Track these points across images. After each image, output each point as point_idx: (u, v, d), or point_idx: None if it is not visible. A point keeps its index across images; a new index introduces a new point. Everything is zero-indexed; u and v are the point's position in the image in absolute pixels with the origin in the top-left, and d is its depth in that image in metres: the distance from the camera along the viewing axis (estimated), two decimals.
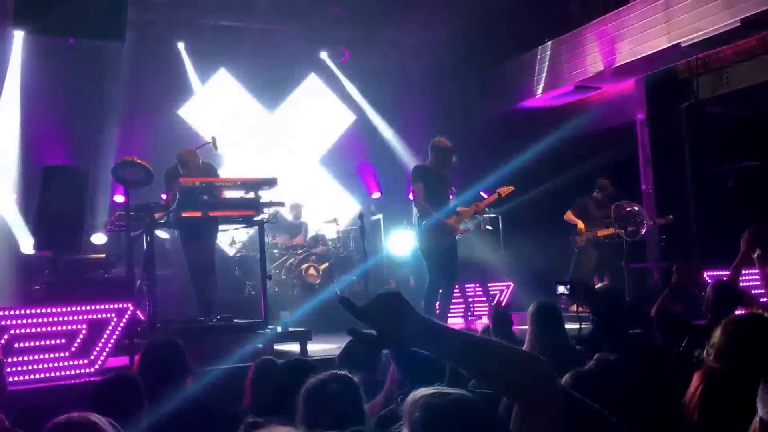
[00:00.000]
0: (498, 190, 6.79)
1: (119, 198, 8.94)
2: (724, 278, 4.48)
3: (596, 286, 6.80)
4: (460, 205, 6.68)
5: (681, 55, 8.63)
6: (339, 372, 2.38)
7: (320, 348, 6.17)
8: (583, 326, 5.64)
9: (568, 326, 5.69)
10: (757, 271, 4.71)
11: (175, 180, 6.23)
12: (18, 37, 8.70)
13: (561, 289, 7.95)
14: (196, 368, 3.50)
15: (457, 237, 6.49)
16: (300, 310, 8.11)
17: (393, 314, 1.37)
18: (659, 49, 8.48)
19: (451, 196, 6.73)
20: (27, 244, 7.57)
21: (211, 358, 5.31)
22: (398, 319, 1.37)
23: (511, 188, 6.86)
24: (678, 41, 8.20)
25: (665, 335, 3.92)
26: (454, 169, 6.75)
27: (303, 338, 5.97)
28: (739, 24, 7.55)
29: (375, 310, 1.38)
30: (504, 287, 9.08)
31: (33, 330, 4.71)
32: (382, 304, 1.38)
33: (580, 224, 8.43)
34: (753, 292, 4.92)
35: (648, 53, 8.64)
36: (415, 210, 6.55)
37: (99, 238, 8.28)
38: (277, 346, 6.10)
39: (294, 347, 6.01)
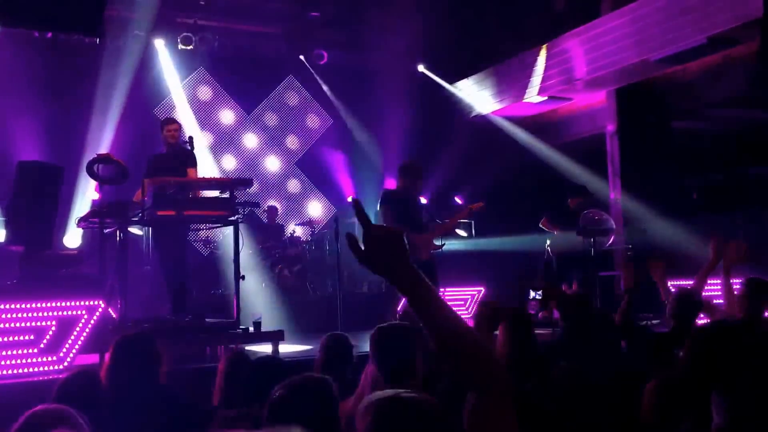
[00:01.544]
0: (469, 206, 6.86)
1: (93, 195, 8.87)
2: (688, 286, 4.60)
3: (567, 293, 6.94)
4: (433, 218, 6.76)
5: (650, 69, 8.84)
6: (315, 374, 2.41)
7: (292, 349, 6.21)
8: (554, 331, 5.77)
9: (539, 331, 5.79)
10: (718, 280, 4.85)
11: (153, 172, 6.23)
12: None
13: (532, 294, 8.11)
14: (167, 363, 3.51)
15: (432, 252, 6.55)
16: (272, 311, 8.13)
17: (389, 249, 1.45)
18: (630, 63, 8.68)
19: (425, 207, 6.80)
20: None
21: (182, 358, 5.31)
22: (391, 256, 1.45)
23: (480, 204, 6.91)
24: (647, 56, 8.41)
25: (630, 343, 4.02)
26: (424, 183, 6.85)
27: (275, 339, 5.99)
28: (705, 41, 7.78)
29: (376, 238, 1.46)
30: (475, 292, 9.20)
31: (1, 325, 4.67)
32: (383, 236, 1.46)
33: (556, 231, 8.55)
34: (715, 301, 5.06)
35: (619, 67, 8.84)
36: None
37: (72, 240, 8.16)
38: (249, 347, 6.11)
39: (266, 348, 6.03)
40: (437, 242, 6.47)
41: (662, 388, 2.57)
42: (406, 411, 1.45)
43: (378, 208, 6.51)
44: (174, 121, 6.85)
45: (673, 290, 4.33)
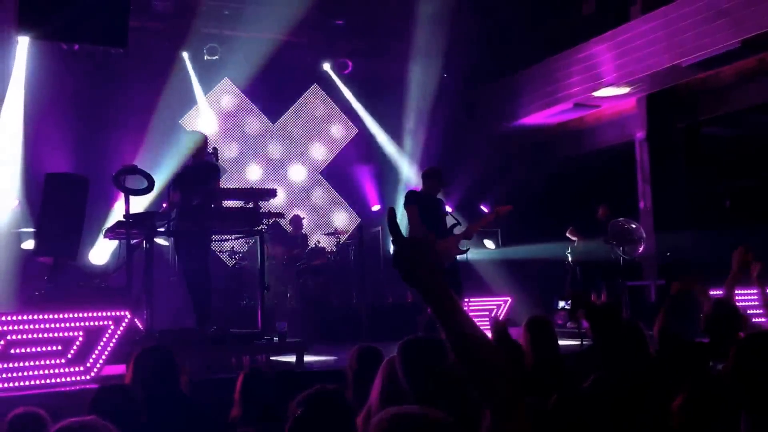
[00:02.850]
0: (496, 209, 6.79)
1: (119, 206, 8.94)
2: (720, 298, 4.47)
3: (595, 303, 6.82)
4: (457, 222, 6.72)
5: (681, 74, 8.68)
6: (328, 386, 2.36)
7: (316, 360, 6.17)
8: (584, 342, 5.67)
9: (568, 342, 5.69)
10: (751, 291, 4.73)
11: (181, 186, 6.25)
12: (23, 43, 8.74)
13: (561, 303, 8.00)
14: (188, 374, 3.50)
15: (457, 257, 6.52)
16: (297, 321, 8.11)
17: (418, 257, 1.49)
18: (660, 68, 8.53)
19: (449, 212, 6.78)
20: (29, 243, 7.57)
21: (207, 368, 5.30)
22: (419, 264, 1.49)
23: (509, 207, 6.81)
24: (679, 61, 8.26)
25: (668, 355, 3.90)
26: (450, 191, 6.84)
27: (299, 350, 5.97)
28: (739, 45, 7.62)
29: (407, 245, 1.50)
30: (502, 302, 9.09)
31: (29, 336, 4.69)
32: (415, 245, 1.50)
33: (578, 238, 8.42)
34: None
35: (648, 72, 8.69)
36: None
37: (97, 256, 8.17)
38: (273, 357, 6.10)
39: (290, 358, 6.01)
40: (461, 247, 6.44)
41: (693, 402, 2.48)
42: (415, 427, 1.42)
43: (405, 207, 6.51)
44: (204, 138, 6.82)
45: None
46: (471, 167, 10.38)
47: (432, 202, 6.48)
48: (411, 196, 6.52)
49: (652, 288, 8.82)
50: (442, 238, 6.33)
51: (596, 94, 9.66)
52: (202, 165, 6.57)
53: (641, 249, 7.92)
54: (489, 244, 9.22)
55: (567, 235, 8.64)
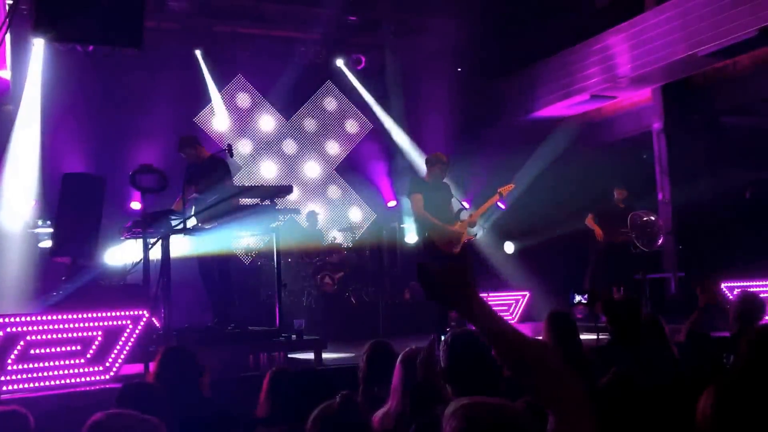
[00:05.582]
0: (499, 190, 6.76)
1: (135, 205, 8.98)
2: (749, 289, 4.40)
3: (614, 297, 6.74)
4: (463, 208, 6.71)
5: (698, 64, 8.57)
6: (342, 393, 2.34)
7: (335, 357, 6.16)
8: (600, 336, 5.61)
9: (585, 336, 5.63)
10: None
11: (189, 180, 6.26)
12: (38, 45, 8.80)
13: (578, 298, 7.91)
14: (208, 373, 3.50)
15: (465, 243, 6.50)
16: (315, 318, 8.11)
17: (452, 286, 1.55)
18: (676, 58, 8.43)
19: (467, 204, 6.75)
20: (47, 243, 7.62)
21: (225, 366, 5.31)
22: (453, 292, 1.55)
23: (511, 186, 6.82)
24: (695, 50, 8.15)
25: (696, 354, 3.85)
26: (467, 184, 6.81)
27: (318, 347, 5.96)
28: (756, 33, 7.51)
29: (440, 278, 1.56)
30: (520, 296, 9.03)
31: (49, 336, 4.73)
32: (448, 275, 1.56)
33: (598, 230, 8.30)
34: None
35: (665, 62, 8.59)
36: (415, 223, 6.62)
37: (114, 257, 8.16)
38: (292, 355, 6.10)
39: (308, 356, 6.00)
40: (470, 233, 6.42)
41: (720, 394, 2.43)
42: (494, 416, 1.42)
43: (406, 196, 6.52)
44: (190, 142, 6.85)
45: (731, 296, 4.14)
46: (487, 160, 10.31)
47: (436, 188, 6.46)
48: (414, 183, 6.52)
49: (672, 280, 8.73)
50: (448, 224, 6.33)
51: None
52: (206, 161, 6.58)
53: (660, 241, 7.83)
54: (508, 246, 9.16)
55: (586, 223, 8.49)
